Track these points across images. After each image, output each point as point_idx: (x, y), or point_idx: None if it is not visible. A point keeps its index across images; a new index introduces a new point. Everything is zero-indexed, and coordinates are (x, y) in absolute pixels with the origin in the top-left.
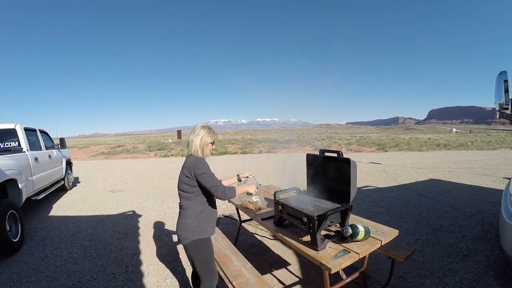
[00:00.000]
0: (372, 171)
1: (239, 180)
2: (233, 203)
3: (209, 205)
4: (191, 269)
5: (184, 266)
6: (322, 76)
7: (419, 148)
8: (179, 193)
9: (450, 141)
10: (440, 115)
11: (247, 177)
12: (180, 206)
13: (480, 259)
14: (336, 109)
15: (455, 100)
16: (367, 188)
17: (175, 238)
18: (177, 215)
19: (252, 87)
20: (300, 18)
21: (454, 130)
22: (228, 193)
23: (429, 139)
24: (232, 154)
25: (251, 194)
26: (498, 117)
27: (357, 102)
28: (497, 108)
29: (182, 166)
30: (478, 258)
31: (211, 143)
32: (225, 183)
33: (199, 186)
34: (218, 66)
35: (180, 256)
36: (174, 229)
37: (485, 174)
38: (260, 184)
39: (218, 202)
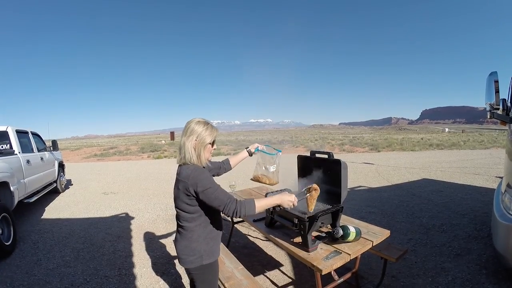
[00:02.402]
0: (365, 171)
1: (250, 154)
2: None
3: (216, 222)
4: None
5: (176, 268)
6: (315, 77)
7: (412, 148)
8: (178, 213)
9: (442, 141)
10: (433, 115)
11: (257, 147)
12: (182, 227)
13: (473, 258)
14: (329, 110)
15: (447, 100)
16: (360, 188)
17: (167, 241)
18: (171, 218)
19: (246, 89)
20: (291, 17)
21: (447, 130)
22: (244, 211)
23: (421, 139)
24: (225, 155)
25: (283, 207)
26: (489, 117)
27: (350, 103)
28: (488, 108)
29: (176, 179)
30: (470, 257)
31: (210, 143)
32: (233, 160)
33: (200, 204)
34: (211, 67)
35: (173, 258)
36: (168, 231)
37: (477, 173)
38: (280, 151)
39: None
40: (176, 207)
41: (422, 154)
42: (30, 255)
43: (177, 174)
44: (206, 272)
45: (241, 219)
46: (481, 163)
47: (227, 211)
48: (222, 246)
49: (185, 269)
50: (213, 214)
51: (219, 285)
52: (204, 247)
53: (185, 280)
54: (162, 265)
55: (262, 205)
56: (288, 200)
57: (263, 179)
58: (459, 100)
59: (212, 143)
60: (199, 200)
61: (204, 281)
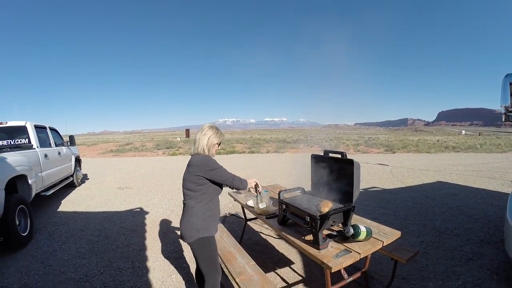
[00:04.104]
0: (379, 172)
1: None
2: (239, 202)
3: (214, 203)
4: (195, 266)
5: (188, 263)
6: (332, 76)
7: (428, 150)
8: (184, 192)
9: (459, 143)
10: (450, 117)
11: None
12: (185, 204)
13: (484, 263)
14: (344, 110)
15: (464, 101)
16: (374, 189)
17: (180, 235)
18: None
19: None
20: (306, 14)
21: (464, 132)
22: (244, 183)
23: (437, 141)
24: (239, 153)
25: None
26: (504, 120)
27: (366, 103)
28: (503, 111)
29: (188, 165)
30: (482, 261)
31: (217, 143)
32: None
33: (211, 182)
34: (227, 66)
35: (185, 252)
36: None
37: (493, 177)
38: (267, 191)
39: (226, 200)
40: (183, 187)
41: (438, 156)
42: (46, 246)
43: (189, 161)
44: (205, 247)
45: (254, 217)
46: (497, 167)
47: (234, 182)
48: (234, 242)
49: (190, 246)
50: (212, 195)
51: (230, 281)
52: (202, 222)
53: None
54: (175, 259)
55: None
56: (251, 181)
57: (262, 211)
58: (477, 102)
59: (219, 144)
60: (209, 179)
61: (204, 256)
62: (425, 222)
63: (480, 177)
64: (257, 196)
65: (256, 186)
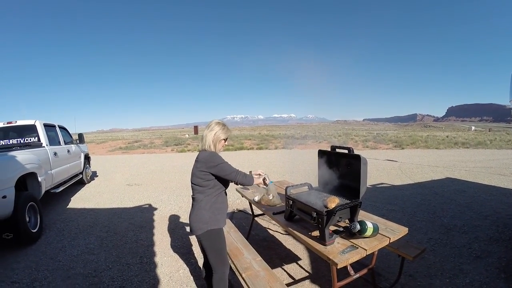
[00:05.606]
0: (387, 168)
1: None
2: (246, 197)
3: (221, 197)
4: (203, 260)
5: (196, 258)
6: (340, 72)
7: (437, 146)
8: (192, 187)
9: (468, 139)
10: (459, 113)
11: (259, 174)
12: (194, 199)
13: (493, 261)
14: (353, 106)
15: (474, 97)
16: (382, 185)
17: (189, 230)
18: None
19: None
20: (316, 15)
21: (473, 128)
22: (249, 179)
23: (447, 137)
24: (248, 149)
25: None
26: None
27: (375, 99)
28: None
29: (196, 160)
30: (490, 260)
31: (224, 139)
32: None
33: (216, 178)
34: (236, 63)
35: (193, 248)
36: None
37: (503, 174)
38: (272, 182)
39: (234, 196)
40: (192, 182)
41: (447, 152)
42: (55, 242)
43: (197, 157)
44: (214, 239)
45: (262, 213)
46: (507, 163)
47: (237, 177)
48: (241, 237)
49: (197, 239)
50: (219, 189)
51: (237, 276)
52: (210, 215)
53: None
54: (183, 254)
55: (256, 181)
56: (259, 180)
57: (264, 201)
58: (487, 97)
59: (225, 140)
60: (214, 174)
61: (212, 248)
62: (433, 219)
63: (489, 173)
64: (266, 186)
65: (264, 179)
